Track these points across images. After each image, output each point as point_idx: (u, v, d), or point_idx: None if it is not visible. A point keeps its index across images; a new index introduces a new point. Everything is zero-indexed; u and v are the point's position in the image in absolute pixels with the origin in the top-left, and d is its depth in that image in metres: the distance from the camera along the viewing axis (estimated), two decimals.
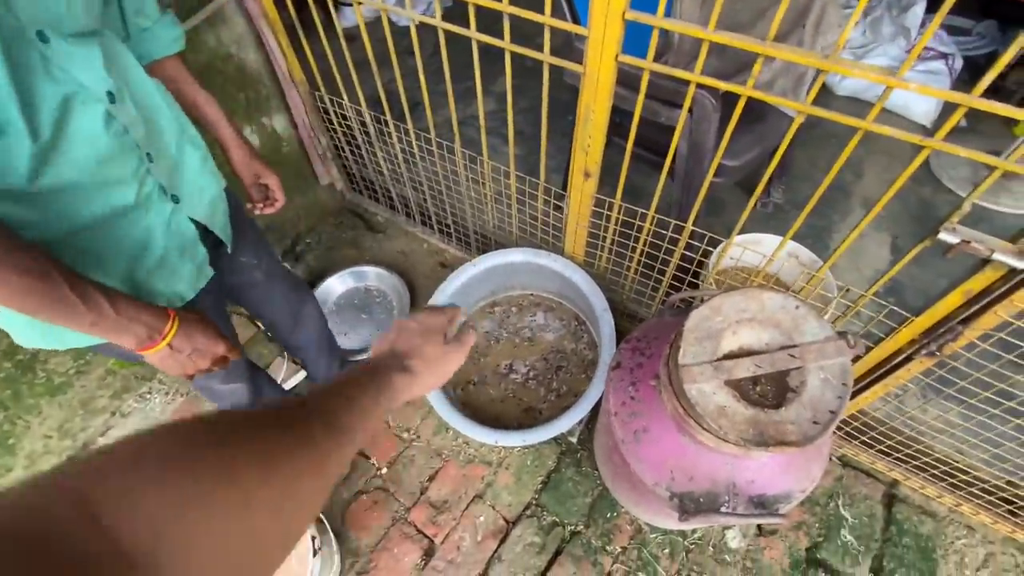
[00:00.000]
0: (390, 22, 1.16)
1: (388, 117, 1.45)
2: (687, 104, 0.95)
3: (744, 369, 0.72)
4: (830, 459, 1.44)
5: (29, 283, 0.55)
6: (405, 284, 1.80)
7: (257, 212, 1.06)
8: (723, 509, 0.80)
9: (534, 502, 1.44)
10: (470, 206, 1.60)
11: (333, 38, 1.35)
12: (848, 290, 1.01)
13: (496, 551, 1.37)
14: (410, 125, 1.41)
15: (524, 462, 1.49)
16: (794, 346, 0.73)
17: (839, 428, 1.34)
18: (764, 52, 0.74)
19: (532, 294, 1.63)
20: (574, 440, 1.52)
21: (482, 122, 1.21)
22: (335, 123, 1.68)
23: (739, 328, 0.75)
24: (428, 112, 1.30)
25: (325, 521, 1.26)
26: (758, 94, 0.81)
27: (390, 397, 0.48)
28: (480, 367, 1.55)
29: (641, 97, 0.92)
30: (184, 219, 0.79)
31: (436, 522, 1.41)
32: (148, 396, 1.64)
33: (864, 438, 1.29)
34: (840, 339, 0.71)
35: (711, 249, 1.22)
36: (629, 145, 1.04)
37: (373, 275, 1.86)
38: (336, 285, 1.84)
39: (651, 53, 0.84)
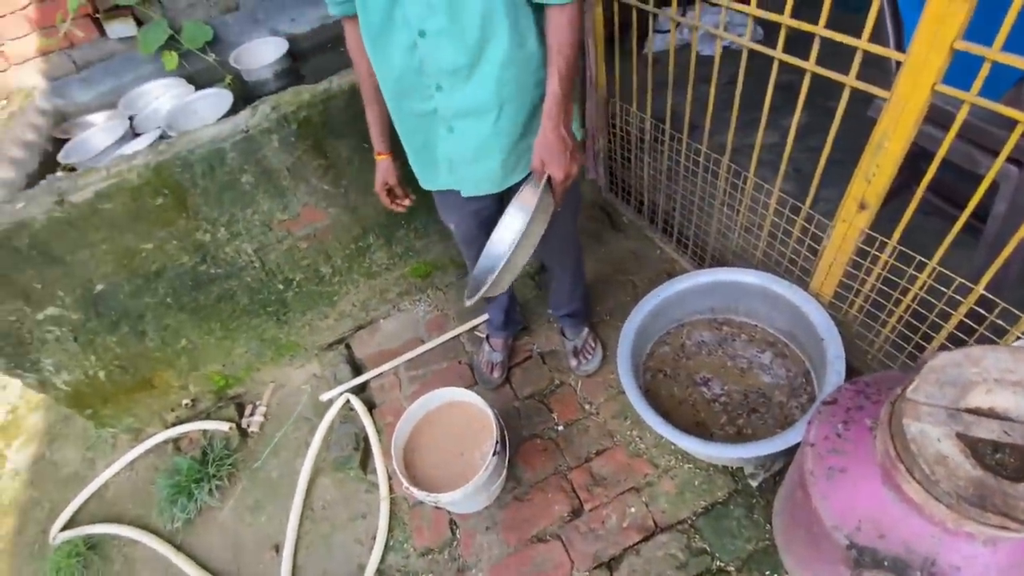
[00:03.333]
0: (696, 52, 1.29)
1: (667, 127, 1.59)
2: (1004, 156, 0.84)
3: (987, 430, 0.64)
4: None
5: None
6: None
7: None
8: None
9: (689, 522, 1.42)
10: (716, 227, 1.64)
11: (640, 59, 1.55)
12: None
13: (636, 544, 1.40)
14: (685, 136, 1.53)
15: (691, 481, 1.47)
16: None
17: None
18: None
19: (762, 328, 1.57)
20: (754, 484, 1.43)
21: (758, 143, 1.25)
22: (617, 127, 1.89)
23: (997, 388, 0.66)
24: (706, 131, 1.40)
25: (507, 440, 1.48)
26: None
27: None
28: (679, 366, 1.58)
29: (951, 134, 0.85)
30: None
31: (591, 491, 1.51)
32: (417, 303, 2.14)
33: None
34: None
35: (994, 338, 1.01)
36: (920, 191, 0.95)
37: None
38: None
39: (977, 85, 0.78)
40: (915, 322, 1.12)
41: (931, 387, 0.68)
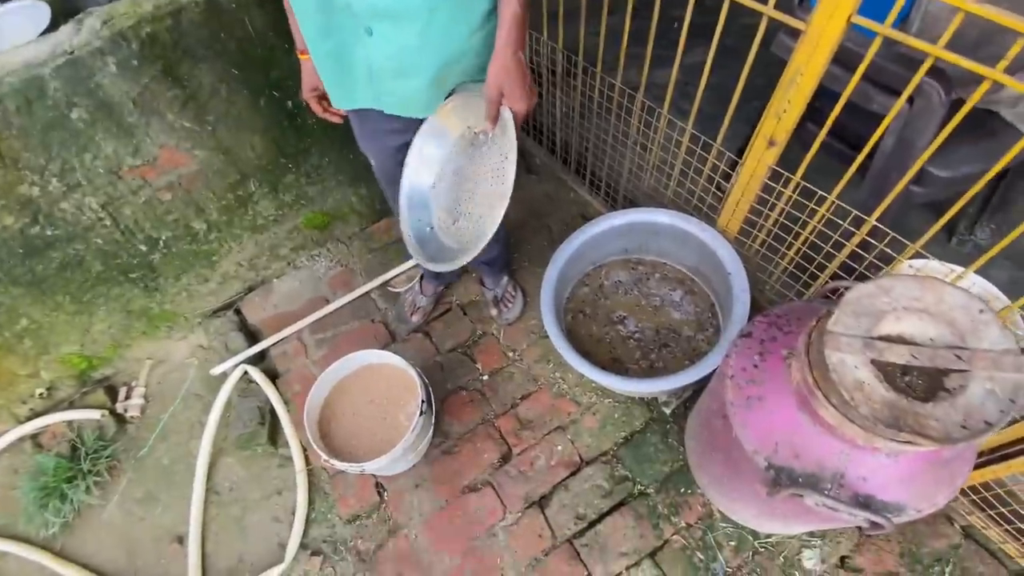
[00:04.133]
0: None
1: (580, 59, 1.50)
2: (908, 91, 0.88)
3: (898, 355, 0.69)
4: (951, 523, 1.29)
5: None
6: None
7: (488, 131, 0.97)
8: (825, 491, 0.79)
9: (612, 452, 1.48)
10: (628, 167, 1.62)
11: None
12: None
13: (564, 480, 1.45)
14: (599, 70, 1.46)
15: (612, 414, 1.53)
16: (964, 348, 0.68)
17: (973, 493, 1.19)
18: None
19: (671, 265, 1.62)
20: (667, 411, 1.52)
21: (673, 76, 1.21)
22: (528, 58, 1.77)
23: (905, 316, 0.71)
24: (621, 64, 1.33)
25: (432, 397, 1.42)
26: (1006, 79, 0.73)
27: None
28: (598, 306, 1.60)
29: (863, 66, 0.87)
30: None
31: (519, 435, 1.52)
32: (317, 258, 1.94)
33: (1004, 510, 1.13)
34: (1023, 355, 0.65)
35: (881, 265, 1.12)
36: (825, 128, 0.98)
37: None
38: None
39: (892, 17, 0.79)
40: (811, 252, 1.20)
41: (848, 318, 0.72)
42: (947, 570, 1.24)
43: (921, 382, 0.69)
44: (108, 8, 1.23)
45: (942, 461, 0.81)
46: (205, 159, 1.51)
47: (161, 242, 1.60)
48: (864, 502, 0.80)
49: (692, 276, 1.59)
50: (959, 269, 1.08)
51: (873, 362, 0.69)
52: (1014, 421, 1.01)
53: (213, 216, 1.63)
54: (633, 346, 1.54)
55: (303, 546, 1.43)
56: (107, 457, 1.61)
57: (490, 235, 0.94)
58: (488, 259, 1.60)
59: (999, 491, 1.13)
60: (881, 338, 0.71)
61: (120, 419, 1.70)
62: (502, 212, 0.92)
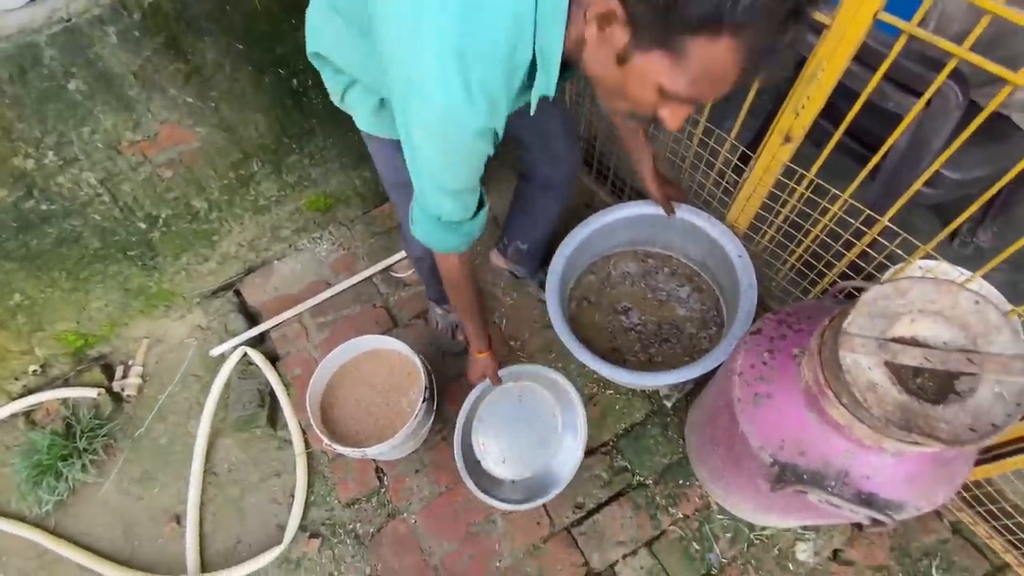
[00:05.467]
0: None
1: None
2: (931, 92, 0.88)
3: (911, 357, 0.69)
4: (940, 519, 1.32)
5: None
6: None
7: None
8: (829, 488, 0.80)
9: (612, 443, 1.50)
10: None
11: None
12: None
13: None
14: None
15: (612, 406, 1.54)
16: (975, 352, 0.68)
17: (964, 490, 1.22)
18: None
19: (677, 259, 1.61)
20: (668, 405, 1.54)
21: None
22: None
23: (920, 318, 0.71)
24: None
25: (435, 384, 1.42)
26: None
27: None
28: (603, 295, 1.60)
29: (886, 65, 0.86)
30: None
31: None
32: (319, 241, 1.92)
33: (992, 507, 1.16)
34: None
35: (888, 264, 1.13)
36: (843, 126, 0.98)
37: None
38: None
39: (919, 15, 0.78)
40: (819, 250, 1.20)
41: (864, 319, 0.72)
42: (935, 564, 1.28)
43: (932, 384, 0.70)
44: None
45: (944, 461, 0.82)
46: (207, 136, 1.48)
47: (161, 220, 1.57)
48: (867, 500, 0.81)
49: (699, 272, 1.59)
50: (967, 272, 1.09)
51: (886, 363, 0.70)
52: None
53: (214, 195, 1.60)
54: (634, 338, 1.55)
55: (302, 528, 1.44)
56: (103, 436, 1.60)
57: None
58: (544, 245, 1.58)
59: (989, 489, 1.15)
60: (895, 340, 0.71)
61: (116, 398, 1.68)
62: None
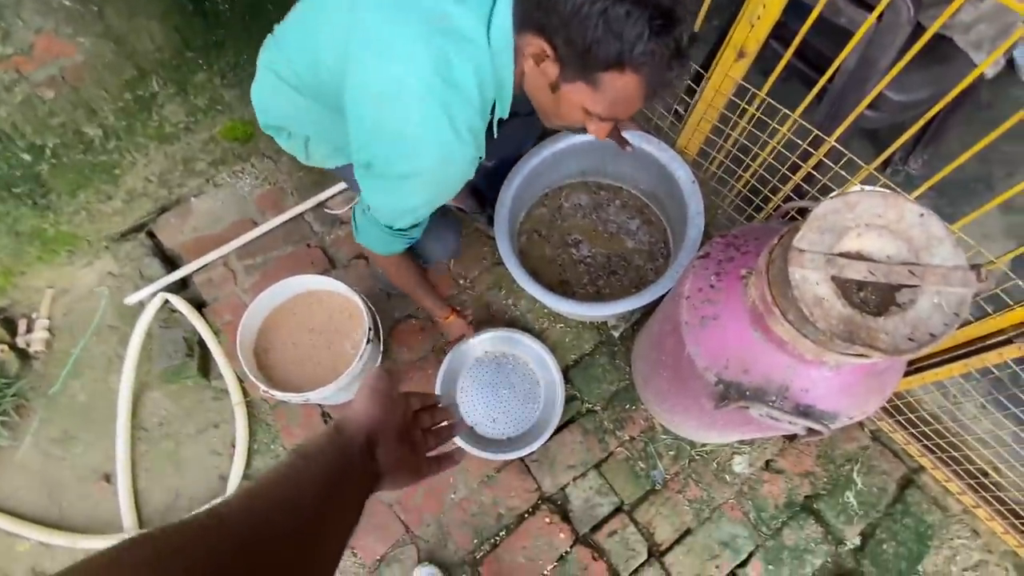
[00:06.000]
0: None
1: None
2: (884, 4, 0.84)
3: (856, 271, 0.69)
4: (862, 428, 1.43)
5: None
6: None
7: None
8: (770, 402, 0.82)
9: (563, 374, 1.50)
10: None
11: None
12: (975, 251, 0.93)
13: None
14: None
15: (563, 339, 1.54)
16: (917, 264, 0.69)
17: (887, 401, 1.31)
18: None
19: (630, 191, 1.57)
20: (616, 335, 1.55)
21: None
22: None
23: (866, 232, 0.71)
24: None
25: (379, 324, 1.35)
26: None
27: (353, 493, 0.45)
28: (553, 228, 1.55)
29: None
30: None
31: None
32: (240, 175, 1.74)
33: (911, 416, 1.26)
34: (971, 271, 0.67)
35: (833, 187, 1.13)
36: (795, 43, 0.93)
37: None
38: None
39: None
40: (766, 175, 1.19)
41: (814, 234, 0.71)
42: (856, 468, 1.39)
43: (874, 297, 0.70)
44: None
45: (876, 372, 0.86)
46: (92, 48, 1.26)
47: (48, 150, 1.36)
48: (805, 411, 0.84)
49: (649, 203, 1.56)
50: (901, 194, 1.11)
51: (833, 278, 0.69)
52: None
53: (109, 120, 1.39)
54: (582, 270, 1.53)
55: (246, 477, 1.39)
56: (12, 396, 1.45)
57: None
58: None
59: (910, 399, 1.25)
60: (842, 255, 0.71)
61: (23, 355, 1.52)
62: None
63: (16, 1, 1.11)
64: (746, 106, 1.10)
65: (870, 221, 0.70)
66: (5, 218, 1.42)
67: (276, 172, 1.74)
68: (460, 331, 1.41)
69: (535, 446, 1.33)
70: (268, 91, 1.01)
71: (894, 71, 0.88)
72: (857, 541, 1.33)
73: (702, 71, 1.15)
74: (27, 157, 1.34)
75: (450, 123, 0.77)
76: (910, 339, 0.66)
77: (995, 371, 0.98)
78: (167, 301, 1.52)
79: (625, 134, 1.37)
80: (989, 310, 0.96)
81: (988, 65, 0.85)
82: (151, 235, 1.65)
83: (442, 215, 1.15)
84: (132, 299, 1.53)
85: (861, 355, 0.69)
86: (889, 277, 0.69)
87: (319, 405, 1.44)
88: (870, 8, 1.05)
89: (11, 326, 1.55)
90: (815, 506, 1.36)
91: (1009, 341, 0.94)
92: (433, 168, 0.81)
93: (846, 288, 0.70)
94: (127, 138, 1.45)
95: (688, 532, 1.35)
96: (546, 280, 1.48)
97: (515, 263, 1.30)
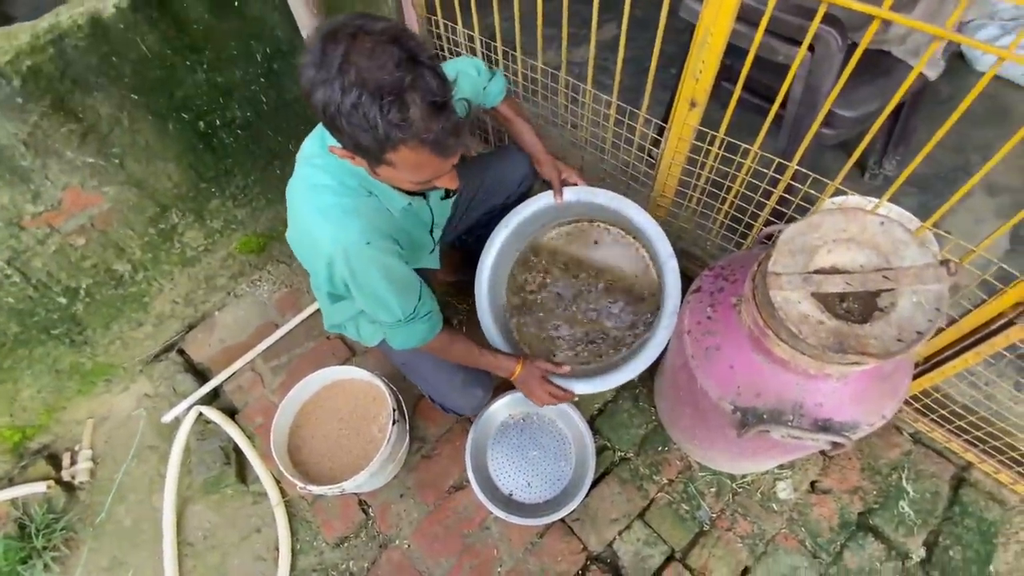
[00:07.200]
0: None
1: (499, 44, 1.50)
2: (808, 38, 0.93)
3: (834, 284, 0.74)
4: (900, 433, 1.40)
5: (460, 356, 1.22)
6: None
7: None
8: (788, 422, 0.84)
9: (589, 425, 1.51)
10: (560, 144, 1.64)
11: None
12: (950, 243, 0.97)
13: None
14: (519, 54, 1.46)
15: None
16: (890, 269, 0.73)
17: (915, 401, 1.30)
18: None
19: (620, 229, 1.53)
20: (635, 377, 1.56)
21: (592, 50, 1.23)
22: (445, 48, 1.75)
23: (835, 247, 0.76)
24: (539, 46, 1.34)
25: (403, 404, 1.40)
26: (894, 15, 0.79)
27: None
28: (536, 305, 1.56)
29: (764, 20, 0.91)
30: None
31: None
32: (258, 283, 1.85)
33: (944, 412, 1.24)
34: (940, 266, 0.71)
35: (807, 206, 1.19)
36: (739, 83, 1.03)
37: None
38: None
39: None
40: (744, 204, 1.26)
41: (785, 258, 0.76)
42: (903, 475, 1.35)
43: (857, 306, 0.74)
44: None
45: (884, 376, 0.88)
46: (116, 195, 1.40)
47: (82, 291, 1.48)
48: (823, 426, 0.86)
49: (635, 238, 1.56)
50: (875, 200, 1.17)
51: (813, 295, 0.74)
52: (940, 330, 1.11)
53: (136, 255, 1.53)
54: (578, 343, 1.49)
55: None
56: (61, 530, 1.49)
57: None
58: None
59: (937, 396, 1.24)
60: (817, 272, 0.75)
61: (69, 487, 1.57)
62: None
63: (42, 164, 1.25)
64: (708, 147, 1.18)
65: (836, 236, 0.76)
66: (45, 359, 1.52)
67: (291, 275, 1.86)
68: (540, 379, 1.29)
69: (574, 504, 1.33)
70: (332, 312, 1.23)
71: (833, 94, 0.96)
72: (922, 552, 1.28)
73: (662, 123, 1.25)
74: (63, 300, 1.46)
75: (324, 217, 0.93)
76: (899, 340, 0.69)
77: (1006, 353, 0.99)
78: (201, 414, 1.58)
79: (588, 190, 1.40)
80: (984, 296, 0.98)
81: (922, 69, 0.91)
82: (181, 352, 1.75)
83: (472, 371, 1.30)
84: (168, 417, 1.60)
85: (857, 363, 0.72)
86: (866, 285, 0.73)
87: (356, 494, 1.46)
88: (801, 43, 1.15)
89: (56, 461, 1.61)
90: (871, 522, 1.32)
91: (1011, 323, 0.95)
92: (343, 250, 0.92)
93: (829, 302, 0.74)
94: (153, 268, 1.58)
95: (746, 571, 1.30)
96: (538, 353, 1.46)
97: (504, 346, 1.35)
